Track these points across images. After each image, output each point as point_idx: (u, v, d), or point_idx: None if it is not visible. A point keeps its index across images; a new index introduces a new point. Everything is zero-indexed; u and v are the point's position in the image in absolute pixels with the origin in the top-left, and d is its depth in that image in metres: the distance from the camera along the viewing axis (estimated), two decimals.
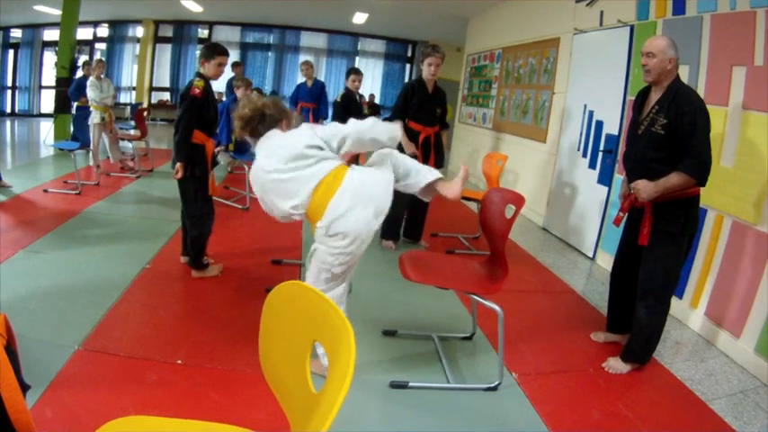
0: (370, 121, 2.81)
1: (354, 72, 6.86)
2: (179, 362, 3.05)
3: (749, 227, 3.97)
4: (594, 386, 3.34)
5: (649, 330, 3.49)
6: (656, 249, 3.35)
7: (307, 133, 2.80)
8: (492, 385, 3.11)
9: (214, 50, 4.03)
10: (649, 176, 3.22)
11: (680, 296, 4.56)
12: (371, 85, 17.06)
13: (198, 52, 16.12)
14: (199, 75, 4.01)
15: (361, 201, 2.66)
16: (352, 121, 2.81)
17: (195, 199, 4.05)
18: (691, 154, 3.09)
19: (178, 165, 3.90)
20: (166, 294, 3.90)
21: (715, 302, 4.23)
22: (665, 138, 3.18)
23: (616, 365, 3.51)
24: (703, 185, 3.20)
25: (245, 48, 16.61)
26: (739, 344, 3.94)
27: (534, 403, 3.05)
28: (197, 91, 3.88)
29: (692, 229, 3.35)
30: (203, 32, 16.58)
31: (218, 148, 4.46)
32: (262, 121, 2.88)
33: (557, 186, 7.12)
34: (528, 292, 4.79)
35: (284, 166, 2.71)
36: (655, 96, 3.29)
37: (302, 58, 16.31)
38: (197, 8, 13.27)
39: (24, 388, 1.46)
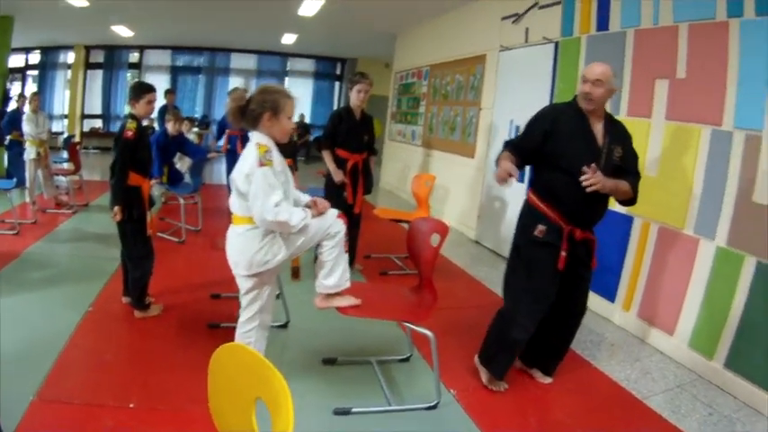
0: (281, 214, 2.63)
1: None
2: (131, 406, 2.90)
3: (675, 231, 4.09)
4: (532, 396, 3.34)
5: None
6: (591, 269, 3.32)
7: (251, 163, 2.65)
8: (431, 404, 3.10)
9: (140, 89, 3.97)
10: (601, 207, 3.14)
11: (612, 299, 4.66)
12: (301, 104, 16.79)
13: (129, 75, 16.01)
14: (131, 116, 3.93)
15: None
16: (270, 203, 2.60)
17: (135, 241, 3.97)
18: (635, 173, 3.16)
19: (116, 208, 3.82)
20: (112, 337, 3.74)
21: (647, 303, 4.34)
22: (620, 167, 3.12)
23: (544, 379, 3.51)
24: (633, 203, 3.25)
25: (175, 71, 16.25)
26: (673, 341, 4.04)
27: (474, 417, 3.04)
28: (129, 133, 3.82)
29: None
30: (134, 56, 16.12)
31: (153, 181, 4.37)
32: (243, 118, 2.77)
33: (486, 200, 7.18)
34: (461, 308, 4.74)
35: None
36: (596, 123, 3.14)
37: (232, 80, 16.29)
38: (128, 33, 12.87)
39: None
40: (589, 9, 5.15)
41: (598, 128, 3.12)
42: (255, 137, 2.73)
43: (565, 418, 3.11)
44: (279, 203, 2.60)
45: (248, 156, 2.65)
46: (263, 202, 2.58)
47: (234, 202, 2.77)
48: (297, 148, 6.78)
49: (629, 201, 3.22)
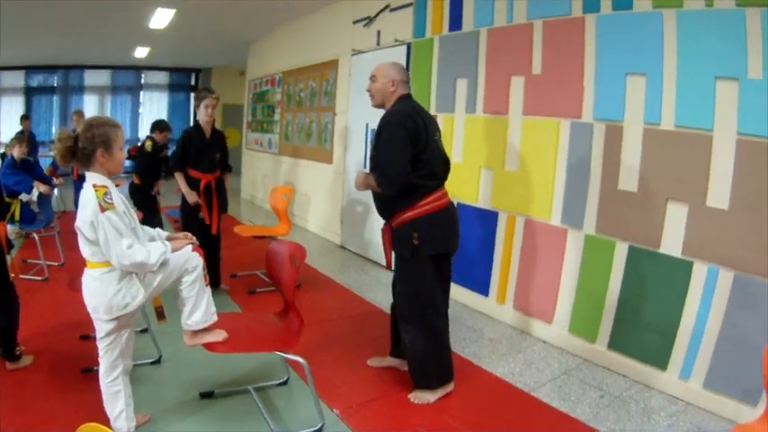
0: (136, 255, 2.46)
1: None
2: None
3: (542, 222, 4.03)
4: (416, 405, 3.09)
5: (418, 356, 3.13)
6: (399, 274, 3.17)
7: (92, 209, 2.44)
8: (316, 428, 2.85)
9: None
10: (380, 200, 3.13)
11: (485, 294, 4.54)
12: (157, 118, 15.84)
13: None
14: None
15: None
16: (123, 246, 2.43)
17: None
18: (378, 164, 3.01)
19: None
20: None
21: (521, 295, 4.25)
22: (373, 157, 3.10)
23: (421, 395, 3.15)
24: (389, 194, 3.00)
25: (29, 93, 14.51)
26: (553, 329, 3.98)
27: None
28: None
29: (430, 250, 3.01)
30: None
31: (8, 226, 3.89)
32: (76, 159, 2.53)
33: (348, 204, 6.92)
34: (332, 320, 4.37)
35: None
36: None
37: (87, 98, 14.97)
38: None
39: None
40: (441, 10, 5.01)
41: None
42: (91, 178, 2.53)
43: (453, 423, 2.91)
44: (131, 245, 2.45)
45: (87, 202, 2.46)
46: (116, 248, 2.42)
47: (84, 249, 2.55)
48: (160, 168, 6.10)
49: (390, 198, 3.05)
